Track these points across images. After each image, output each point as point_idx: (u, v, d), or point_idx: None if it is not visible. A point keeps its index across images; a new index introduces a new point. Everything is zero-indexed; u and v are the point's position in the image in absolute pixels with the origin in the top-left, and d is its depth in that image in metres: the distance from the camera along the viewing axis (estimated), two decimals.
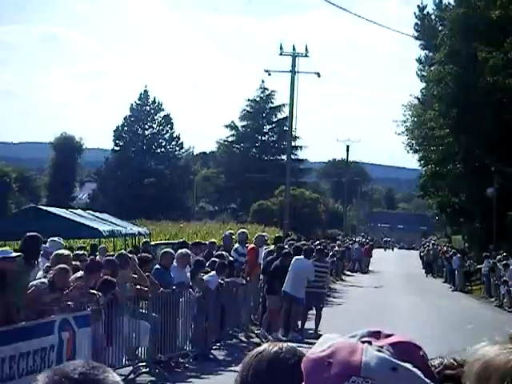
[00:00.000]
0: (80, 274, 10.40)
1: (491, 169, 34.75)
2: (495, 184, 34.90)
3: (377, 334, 1.39)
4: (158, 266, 13.29)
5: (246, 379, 1.89)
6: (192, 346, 13.63)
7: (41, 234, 11.11)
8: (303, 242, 21.64)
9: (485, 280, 31.05)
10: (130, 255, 12.80)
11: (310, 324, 17.87)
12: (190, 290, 13.61)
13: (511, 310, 24.87)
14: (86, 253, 15.92)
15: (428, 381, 1.34)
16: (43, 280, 9.16)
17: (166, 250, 14.32)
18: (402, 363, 1.33)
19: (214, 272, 14.36)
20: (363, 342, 1.35)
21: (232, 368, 12.41)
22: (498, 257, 28.16)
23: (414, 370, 1.33)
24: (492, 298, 28.65)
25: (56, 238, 12.88)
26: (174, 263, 13.54)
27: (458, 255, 36.52)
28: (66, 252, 10.96)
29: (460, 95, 35.14)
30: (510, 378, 1.03)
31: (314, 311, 18.24)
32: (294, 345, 2.01)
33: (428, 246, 55.22)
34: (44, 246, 11.10)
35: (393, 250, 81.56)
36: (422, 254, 53.99)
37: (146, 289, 12.13)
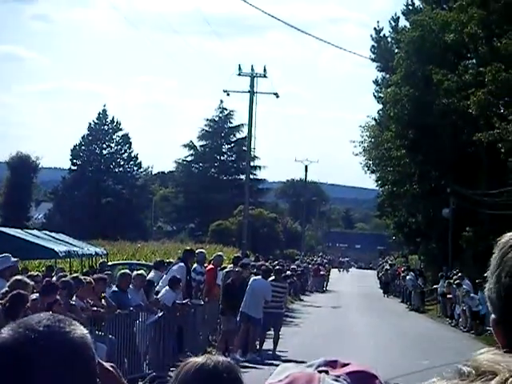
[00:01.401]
0: (35, 296, 10.23)
1: (447, 190, 35.23)
2: (451, 205, 35.37)
3: (333, 363, 1.39)
4: (115, 289, 13.16)
5: None
6: (149, 368, 13.49)
7: None
8: (261, 263, 21.63)
9: (440, 300, 31.37)
10: (88, 279, 12.58)
11: (268, 345, 17.83)
12: (148, 311, 13.50)
13: (466, 329, 25.12)
14: (40, 274, 15.68)
15: None
16: None
17: (123, 271, 14.20)
18: None
19: (167, 287, 14.27)
20: (320, 372, 1.34)
21: None
22: (455, 277, 28.49)
23: None
24: (447, 318, 28.93)
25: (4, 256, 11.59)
26: (131, 286, 13.44)
27: (410, 276, 36.79)
28: (26, 280, 10.59)
29: (416, 117, 35.62)
30: None
31: (272, 332, 18.23)
32: (232, 362, 2.00)
33: (385, 265, 55.61)
34: None
35: (347, 271, 77.89)
36: (379, 273, 54.34)
37: (102, 310, 12.00)
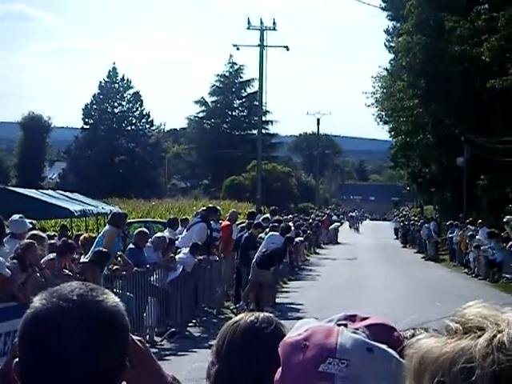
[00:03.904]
0: (52, 255, 10.31)
1: (461, 138, 35.00)
2: (465, 153, 35.17)
3: (353, 318, 1.39)
4: (132, 246, 13.27)
5: (222, 348, 1.92)
6: (167, 323, 13.63)
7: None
8: (276, 218, 21.63)
9: (455, 248, 31.41)
10: None
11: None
12: (164, 268, 13.59)
13: (482, 277, 25.17)
14: (56, 233, 15.75)
15: (403, 361, 1.34)
16: (13, 260, 9.07)
17: (140, 229, 14.28)
18: (378, 344, 1.33)
19: (187, 251, 14.28)
20: (339, 325, 1.34)
21: (208, 344, 12.43)
22: (470, 226, 28.43)
23: (390, 350, 1.33)
24: (463, 267, 28.99)
25: (17, 217, 11.00)
26: (149, 244, 13.51)
27: (426, 225, 36.88)
28: (42, 234, 10.76)
29: (428, 65, 35.23)
30: (442, 372, 1.02)
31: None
32: (271, 314, 2.03)
33: (402, 216, 55.63)
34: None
35: (357, 230, 62.89)
36: (398, 225, 54.21)
37: (118, 267, 12.10)
